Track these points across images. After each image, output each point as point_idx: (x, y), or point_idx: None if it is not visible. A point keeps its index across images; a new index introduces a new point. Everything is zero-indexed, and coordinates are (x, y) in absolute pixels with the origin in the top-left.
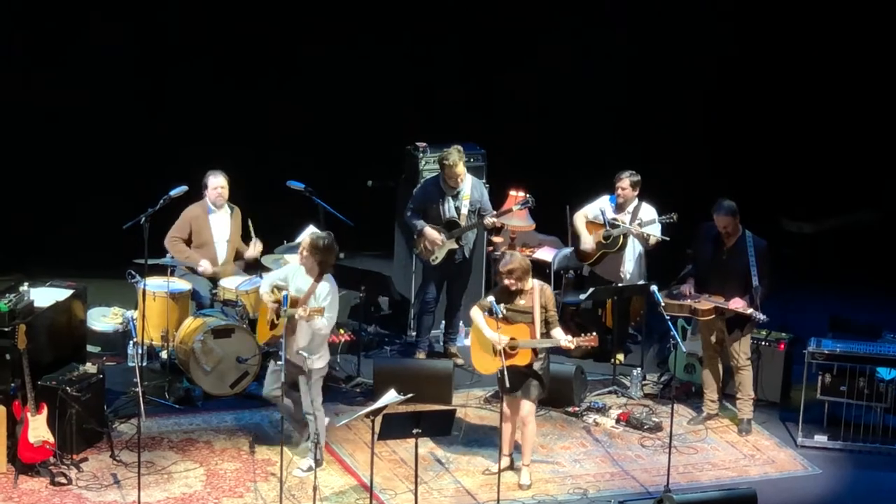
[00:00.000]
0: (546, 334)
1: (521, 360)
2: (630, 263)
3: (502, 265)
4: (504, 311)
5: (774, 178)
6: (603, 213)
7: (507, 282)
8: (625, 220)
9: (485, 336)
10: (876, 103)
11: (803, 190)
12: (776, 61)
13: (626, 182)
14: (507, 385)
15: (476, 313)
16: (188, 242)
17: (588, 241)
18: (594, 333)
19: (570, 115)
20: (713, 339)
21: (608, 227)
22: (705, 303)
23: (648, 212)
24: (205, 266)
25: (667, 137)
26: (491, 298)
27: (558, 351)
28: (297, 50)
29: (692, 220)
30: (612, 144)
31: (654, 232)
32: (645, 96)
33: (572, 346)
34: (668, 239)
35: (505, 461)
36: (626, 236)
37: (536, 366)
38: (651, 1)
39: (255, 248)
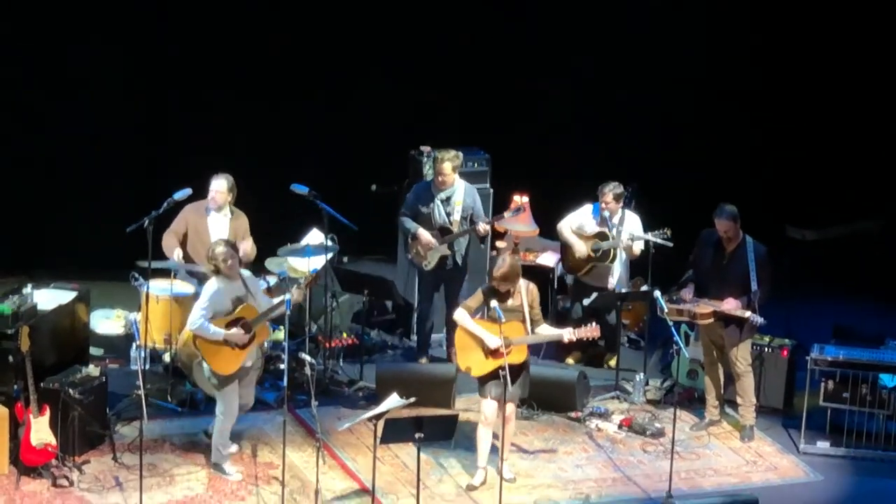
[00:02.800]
0: (532, 332)
1: (517, 357)
2: (618, 272)
3: (496, 271)
4: (500, 314)
5: (778, 186)
6: (608, 220)
7: (501, 288)
8: (612, 232)
9: (473, 338)
10: (880, 112)
11: (807, 197)
12: (780, 68)
13: (609, 196)
14: (509, 384)
15: (462, 315)
16: (184, 240)
17: (581, 249)
18: (595, 324)
19: (576, 119)
20: (713, 344)
21: (597, 241)
22: (704, 307)
23: (633, 221)
24: (177, 255)
25: (670, 144)
26: (494, 304)
27: (559, 355)
28: (302, 53)
29: (695, 226)
30: (617, 149)
31: (641, 244)
32: (649, 101)
33: (574, 339)
34: (671, 244)
35: (482, 474)
36: (615, 249)
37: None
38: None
39: (245, 245)
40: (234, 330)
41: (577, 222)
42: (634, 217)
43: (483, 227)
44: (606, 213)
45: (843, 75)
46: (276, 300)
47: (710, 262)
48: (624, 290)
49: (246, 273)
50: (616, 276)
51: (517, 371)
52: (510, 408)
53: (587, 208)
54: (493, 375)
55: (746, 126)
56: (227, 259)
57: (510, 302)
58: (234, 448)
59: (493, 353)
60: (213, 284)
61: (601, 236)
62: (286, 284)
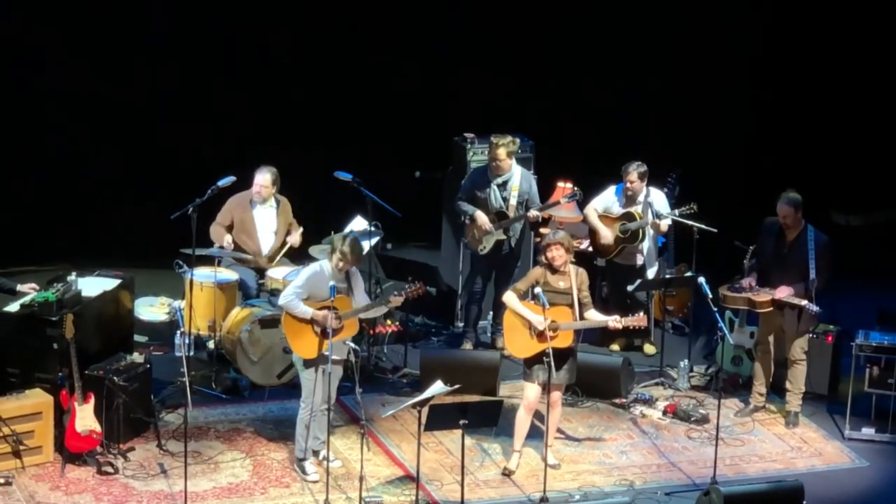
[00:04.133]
0: (581, 317)
1: (563, 342)
2: (646, 249)
3: (552, 236)
4: (546, 299)
5: (823, 171)
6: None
7: (555, 253)
8: (637, 210)
9: (521, 320)
10: None
11: (851, 182)
12: (825, 50)
13: (633, 175)
14: (553, 369)
15: (510, 297)
16: (230, 230)
17: (607, 235)
18: (642, 313)
19: (620, 105)
20: (770, 332)
21: (624, 222)
22: (763, 295)
23: (659, 198)
24: (226, 241)
25: (717, 131)
26: (538, 290)
27: (603, 341)
28: (345, 40)
29: (743, 213)
30: (662, 136)
31: (668, 221)
32: (695, 87)
33: (620, 327)
34: (715, 230)
35: (516, 458)
36: (643, 229)
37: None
38: None
39: (295, 235)
40: (324, 311)
41: (603, 205)
42: (659, 193)
43: (534, 213)
44: (630, 193)
45: (889, 58)
46: (373, 302)
47: (772, 251)
48: (668, 276)
49: (352, 268)
50: (645, 253)
51: (564, 356)
52: (556, 394)
53: (610, 190)
54: (540, 359)
55: (793, 110)
56: (346, 262)
57: (561, 284)
58: (313, 469)
59: (539, 336)
60: (315, 267)
61: (628, 217)
62: (390, 290)
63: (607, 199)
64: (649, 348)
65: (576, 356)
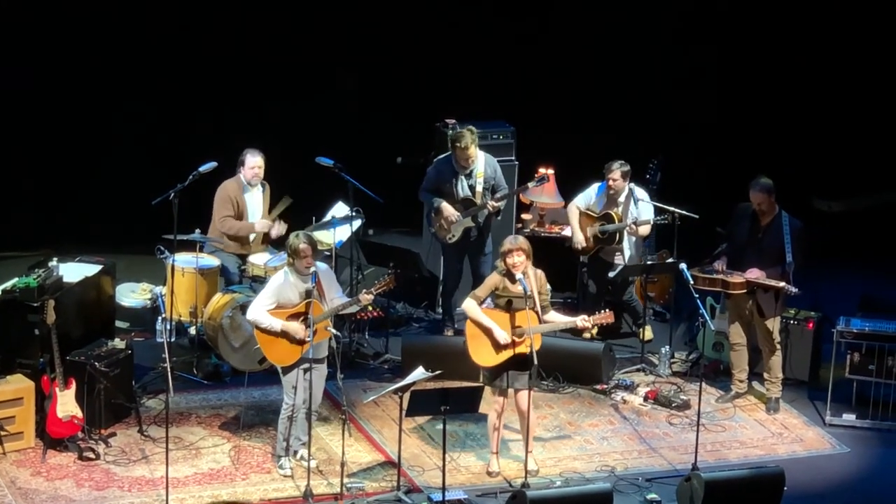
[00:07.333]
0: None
1: (528, 346)
2: (628, 250)
3: (511, 244)
4: (526, 286)
5: (804, 157)
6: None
7: (516, 260)
8: (618, 211)
9: (483, 328)
10: None
11: (833, 169)
12: (808, 36)
13: (616, 174)
14: (537, 369)
15: (471, 306)
16: (240, 219)
17: (579, 239)
18: (609, 310)
19: (602, 92)
20: (740, 318)
21: (603, 223)
22: (737, 277)
23: (641, 196)
24: (262, 224)
25: (698, 116)
26: (520, 276)
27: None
28: (326, 25)
29: (719, 199)
30: (645, 121)
31: (647, 224)
32: (674, 73)
33: (589, 325)
34: (697, 217)
35: (495, 460)
36: (621, 231)
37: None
38: None
39: (277, 229)
40: (293, 323)
41: (585, 202)
42: (641, 192)
43: (493, 204)
44: (612, 192)
45: (869, 44)
46: (345, 300)
47: (746, 236)
48: (650, 262)
49: (322, 267)
50: (626, 257)
51: (526, 362)
52: (526, 399)
53: (593, 188)
54: (504, 366)
55: (773, 96)
56: (306, 255)
57: (519, 288)
58: (288, 464)
59: (504, 343)
60: (280, 276)
61: (607, 218)
62: (372, 277)
63: (589, 197)
64: (648, 333)
65: (534, 358)
